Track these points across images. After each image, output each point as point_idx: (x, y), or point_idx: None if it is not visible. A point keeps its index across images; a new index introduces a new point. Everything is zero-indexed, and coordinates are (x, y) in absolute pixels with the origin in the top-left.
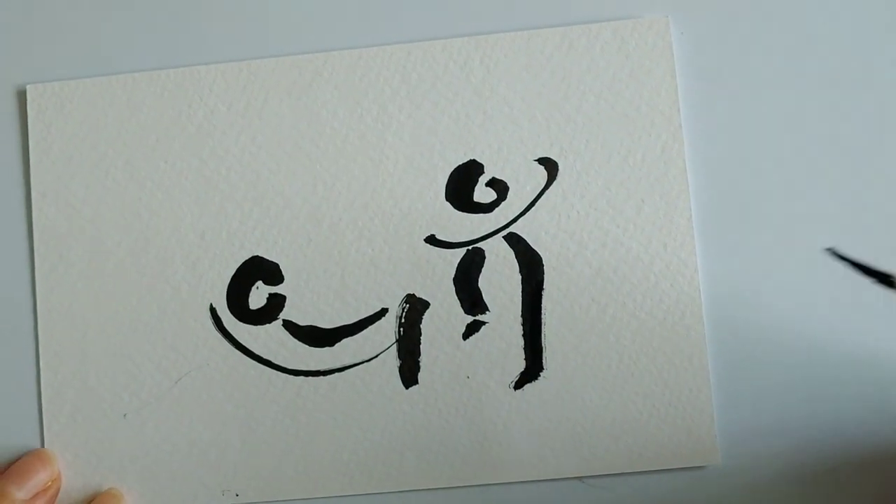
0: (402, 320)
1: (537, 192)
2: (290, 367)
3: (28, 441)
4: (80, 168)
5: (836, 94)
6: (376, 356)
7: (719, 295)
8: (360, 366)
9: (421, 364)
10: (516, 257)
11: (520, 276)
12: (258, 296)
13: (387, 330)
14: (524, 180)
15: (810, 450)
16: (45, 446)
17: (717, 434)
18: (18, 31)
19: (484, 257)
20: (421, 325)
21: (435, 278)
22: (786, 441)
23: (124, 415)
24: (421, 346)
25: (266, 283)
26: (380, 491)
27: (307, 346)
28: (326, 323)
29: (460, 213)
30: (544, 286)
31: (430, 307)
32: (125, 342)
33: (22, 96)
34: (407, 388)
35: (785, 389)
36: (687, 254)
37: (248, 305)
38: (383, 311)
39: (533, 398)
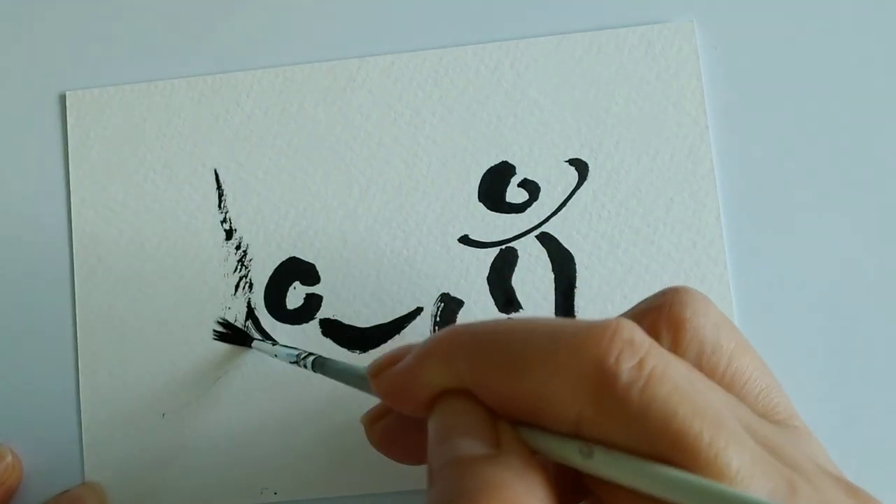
0: (437, 319)
1: (568, 192)
2: None
3: (67, 442)
4: (118, 173)
5: (863, 93)
6: None
7: (749, 292)
8: None
9: None
10: (549, 256)
11: (552, 275)
12: (295, 296)
13: (422, 329)
14: (555, 181)
15: (842, 450)
16: (84, 447)
17: None
18: (58, 38)
19: (517, 256)
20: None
21: (469, 277)
22: (817, 433)
23: (163, 414)
24: None
25: (303, 283)
26: (416, 488)
27: (343, 345)
28: (362, 322)
29: (493, 213)
30: (576, 284)
31: (465, 306)
32: (164, 343)
33: (62, 102)
34: None
35: (816, 384)
36: (716, 251)
37: (285, 305)
38: (418, 311)
39: None
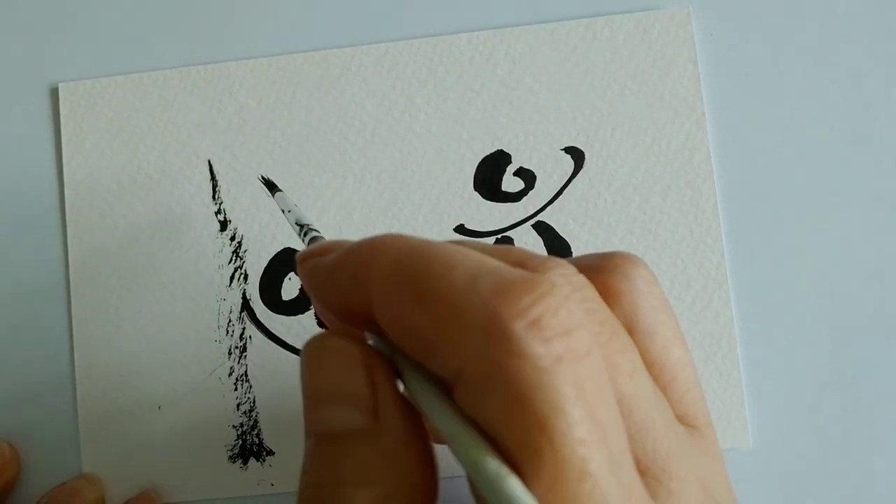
0: None
1: (564, 180)
2: None
3: (64, 434)
4: (112, 164)
5: (860, 80)
6: None
7: (746, 280)
8: None
9: None
10: (545, 245)
11: None
12: (290, 287)
13: None
14: (551, 169)
15: (842, 432)
16: (81, 439)
17: (748, 417)
18: (50, 30)
19: (513, 245)
20: None
21: None
22: (816, 423)
23: (159, 406)
24: None
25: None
26: None
27: None
28: None
29: (489, 202)
30: None
31: None
32: (159, 335)
33: (54, 94)
34: None
35: (815, 372)
36: (713, 239)
37: (280, 296)
38: None
39: None
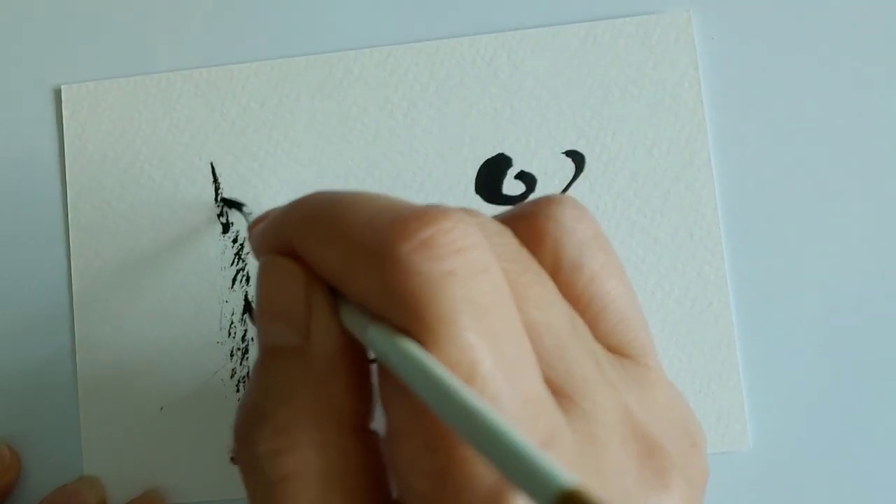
0: None
1: (565, 183)
2: None
3: (65, 436)
4: (115, 166)
5: (861, 83)
6: None
7: (746, 282)
8: None
9: None
10: None
11: None
12: None
13: None
14: (552, 172)
15: (841, 434)
16: (82, 441)
17: (748, 419)
18: (53, 32)
19: None
20: None
21: None
22: (816, 425)
23: (161, 408)
24: None
25: None
26: None
27: None
28: None
29: (490, 205)
30: None
31: None
32: (161, 336)
33: (57, 96)
34: None
35: (814, 374)
36: (713, 242)
37: None
38: None
39: None
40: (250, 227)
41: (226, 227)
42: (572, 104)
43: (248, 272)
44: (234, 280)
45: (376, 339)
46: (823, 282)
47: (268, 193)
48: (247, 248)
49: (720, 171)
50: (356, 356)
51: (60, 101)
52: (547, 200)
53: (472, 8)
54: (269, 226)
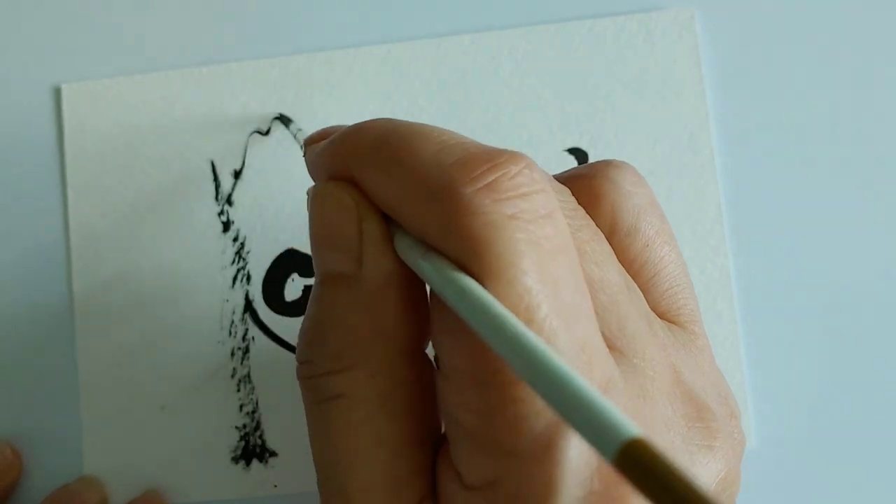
0: None
1: None
2: None
3: (66, 436)
4: (115, 165)
5: (865, 78)
6: None
7: (750, 280)
8: None
9: None
10: None
11: None
12: (294, 288)
13: None
14: (554, 170)
15: (845, 433)
16: (83, 441)
17: (752, 417)
18: (53, 30)
19: None
20: None
21: None
22: (820, 423)
23: (162, 407)
24: None
25: (301, 275)
26: None
27: None
28: None
29: None
30: None
31: None
32: (162, 336)
33: (57, 95)
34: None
35: (818, 372)
36: (716, 240)
37: (283, 297)
38: None
39: None
40: (306, 143)
41: (226, 226)
42: (575, 102)
43: (248, 271)
44: (234, 279)
45: (432, 272)
46: (828, 280)
47: (268, 193)
48: (247, 246)
49: (723, 169)
50: (410, 284)
51: (60, 100)
52: (606, 164)
53: (473, 5)
54: (327, 148)
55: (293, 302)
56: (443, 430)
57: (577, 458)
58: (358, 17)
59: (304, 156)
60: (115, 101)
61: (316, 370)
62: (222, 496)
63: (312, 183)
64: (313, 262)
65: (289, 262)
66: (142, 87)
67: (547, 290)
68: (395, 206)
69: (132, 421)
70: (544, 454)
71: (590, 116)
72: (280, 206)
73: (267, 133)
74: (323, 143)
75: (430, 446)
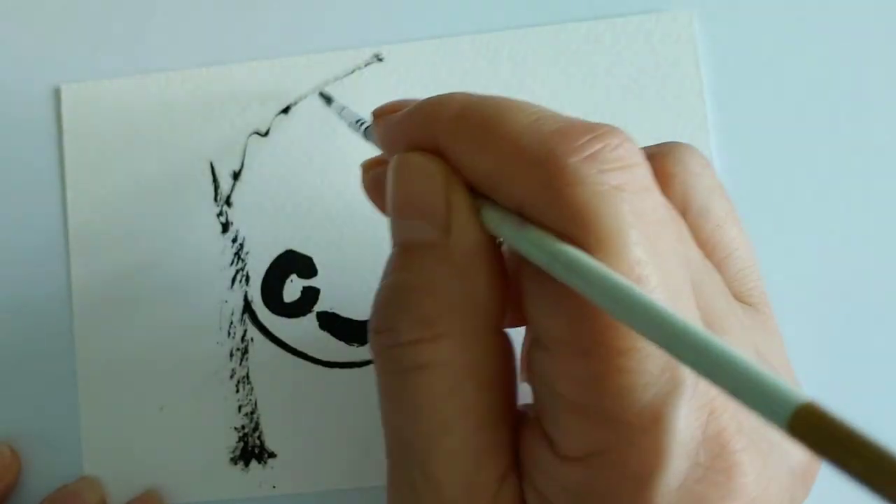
0: None
1: None
2: (324, 358)
3: (65, 437)
4: (114, 166)
5: (863, 80)
6: None
7: None
8: None
9: None
10: None
11: None
12: (292, 289)
13: None
14: None
15: None
16: (83, 441)
17: None
18: (52, 31)
19: None
20: None
21: None
22: None
23: (161, 407)
24: None
25: (300, 276)
26: None
27: (341, 339)
28: (360, 315)
29: None
30: None
31: None
32: (161, 337)
33: (56, 96)
34: None
35: (817, 373)
36: None
37: (282, 298)
38: None
39: None
40: (376, 115)
41: (225, 227)
42: (574, 103)
43: (247, 272)
44: (233, 280)
45: (532, 244)
46: (827, 280)
47: (268, 193)
48: (246, 247)
49: (722, 171)
50: (495, 257)
51: (60, 101)
52: (674, 145)
53: (472, 6)
54: (406, 119)
55: (292, 303)
56: (520, 404)
57: (685, 429)
58: (357, 18)
59: (359, 127)
60: (114, 102)
61: (400, 338)
62: (221, 496)
63: (309, 184)
64: (391, 231)
65: (288, 263)
66: (141, 88)
67: (655, 261)
68: (487, 177)
69: (131, 421)
70: (652, 425)
71: (589, 117)
72: (279, 207)
73: (266, 134)
74: (399, 113)
75: (511, 420)
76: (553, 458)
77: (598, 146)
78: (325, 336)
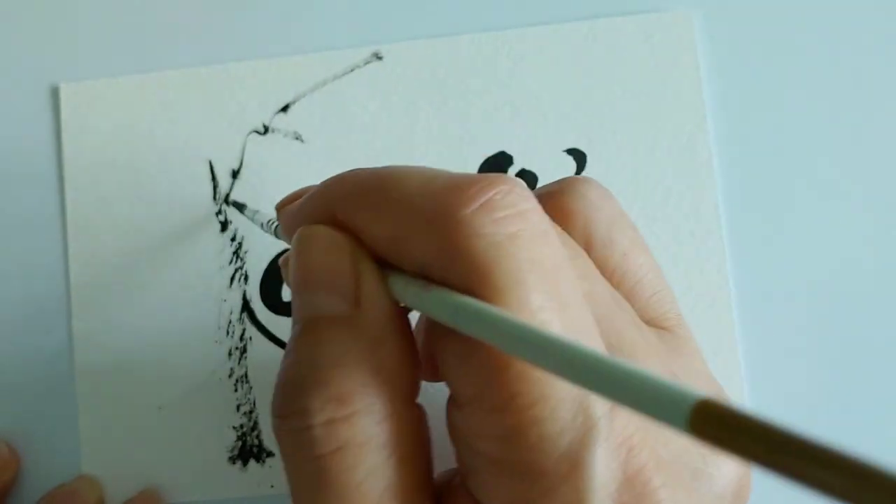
0: None
1: None
2: None
3: (63, 436)
4: (113, 165)
5: (864, 82)
6: None
7: (748, 281)
8: None
9: None
10: None
11: None
12: None
13: (415, 320)
14: (553, 171)
15: (844, 436)
16: (81, 440)
17: None
18: (51, 30)
19: None
20: None
21: None
22: (818, 424)
23: (159, 407)
24: None
25: None
26: None
27: None
28: None
29: None
30: None
31: None
32: (159, 335)
33: (55, 95)
34: None
35: (816, 375)
36: (714, 241)
37: (280, 297)
38: None
39: None
40: (278, 208)
41: (224, 226)
42: (573, 102)
43: (245, 271)
44: (232, 279)
45: (439, 302)
46: (826, 281)
47: (265, 193)
48: (245, 246)
49: (721, 170)
50: (405, 326)
51: (59, 100)
52: (573, 180)
53: (472, 6)
54: (307, 203)
55: (290, 302)
56: (444, 471)
57: (604, 472)
58: (357, 17)
59: (269, 227)
60: (113, 101)
61: (311, 420)
62: (219, 496)
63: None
64: (295, 306)
65: None
66: (140, 87)
67: (555, 305)
68: (389, 243)
69: (129, 420)
70: (571, 472)
71: (588, 117)
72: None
73: (265, 133)
74: (299, 200)
75: (432, 490)
76: None
77: (489, 194)
78: None
